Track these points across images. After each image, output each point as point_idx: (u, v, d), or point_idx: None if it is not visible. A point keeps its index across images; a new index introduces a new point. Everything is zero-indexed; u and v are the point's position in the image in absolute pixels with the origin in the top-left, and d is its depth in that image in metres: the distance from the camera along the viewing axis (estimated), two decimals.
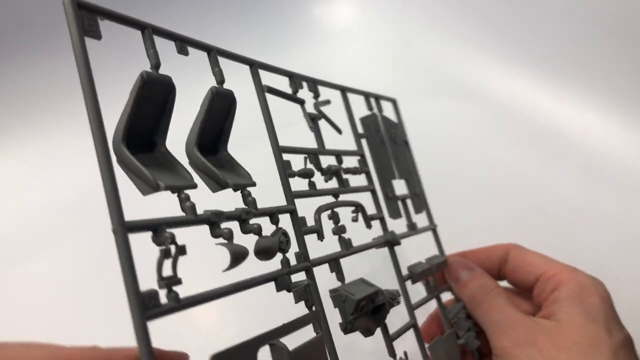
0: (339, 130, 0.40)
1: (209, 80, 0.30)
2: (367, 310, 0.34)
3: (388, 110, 0.49)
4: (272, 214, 0.30)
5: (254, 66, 0.33)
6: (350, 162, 0.41)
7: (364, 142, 0.44)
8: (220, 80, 0.29)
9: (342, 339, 0.32)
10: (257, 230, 0.27)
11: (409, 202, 0.47)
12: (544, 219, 0.70)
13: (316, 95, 0.39)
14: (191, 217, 0.24)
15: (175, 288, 0.22)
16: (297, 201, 0.33)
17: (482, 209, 0.67)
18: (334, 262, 0.34)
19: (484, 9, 0.86)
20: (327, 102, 0.41)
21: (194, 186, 0.25)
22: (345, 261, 0.35)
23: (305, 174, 0.35)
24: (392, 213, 0.44)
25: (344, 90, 0.43)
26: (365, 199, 0.41)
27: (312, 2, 0.93)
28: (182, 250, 0.23)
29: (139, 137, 0.25)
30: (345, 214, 0.38)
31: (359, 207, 0.39)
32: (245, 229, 0.27)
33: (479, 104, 0.53)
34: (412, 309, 0.41)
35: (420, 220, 0.48)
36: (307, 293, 0.30)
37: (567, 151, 0.72)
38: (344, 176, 0.39)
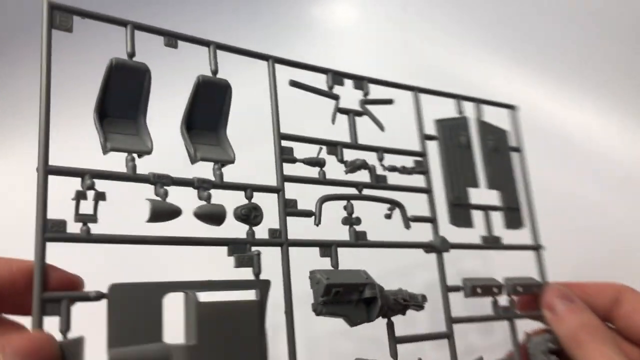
0: (381, 127, 0.40)
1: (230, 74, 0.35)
2: (347, 299, 0.34)
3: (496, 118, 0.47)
4: (245, 189, 0.33)
5: (270, 61, 0.37)
6: (404, 161, 0.41)
7: (431, 144, 0.43)
8: (215, 70, 0.34)
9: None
10: (206, 197, 0.32)
11: (495, 214, 0.44)
12: None
13: (365, 92, 0.40)
14: (129, 174, 0.30)
15: (92, 226, 0.28)
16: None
17: (595, 238, 0.56)
18: (330, 248, 0.36)
19: (484, 8, 0.83)
20: (390, 101, 0.42)
21: (144, 152, 0.31)
22: (392, 258, 0.36)
23: (315, 162, 0.37)
24: (456, 220, 0.42)
25: (416, 91, 0.43)
26: (416, 200, 0.41)
27: (311, 3, 0.90)
28: (101, 196, 0.28)
29: (117, 109, 0.31)
30: (380, 210, 0.39)
31: (395, 206, 0.39)
32: (200, 196, 0.32)
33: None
34: (451, 321, 0.39)
35: (513, 236, 0.45)
36: (253, 262, 0.32)
37: None
38: (384, 172, 0.40)
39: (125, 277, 0.28)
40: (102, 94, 0.31)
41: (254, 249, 0.33)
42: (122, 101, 0.32)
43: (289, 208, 0.35)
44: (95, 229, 0.28)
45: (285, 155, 0.36)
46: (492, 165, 0.45)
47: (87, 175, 0.28)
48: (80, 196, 0.28)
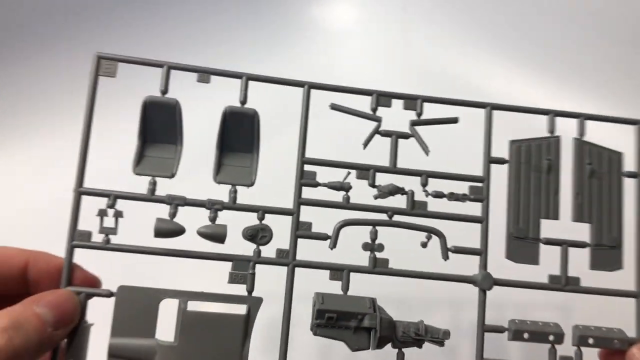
0: (427, 151, 0.38)
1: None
2: (343, 325, 0.35)
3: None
4: (257, 210, 0.37)
5: (306, 87, 0.38)
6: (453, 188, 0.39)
7: (496, 167, 0.39)
8: (243, 100, 0.37)
9: None
10: (212, 219, 0.36)
11: (575, 250, 0.38)
12: None
13: (419, 112, 0.39)
14: (147, 195, 0.36)
15: (112, 237, 0.35)
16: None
17: None
18: (342, 273, 0.37)
19: (484, 9, 0.83)
20: (455, 120, 0.39)
21: (165, 176, 0.36)
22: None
23: (339, 187, 0.38)
24: (515, 254, 0.38)
25: (489, 108, 0.39)
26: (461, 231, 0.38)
27: (311, 3, 0.89)
28: (119, 213, 0.35)
29: (159, 137, 0.38)
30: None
31: (433, 234, 0.38)
32: (209, 217, 0.36)
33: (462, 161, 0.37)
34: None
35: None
36: (246, 280, 0.35)
37: None
38: (425, 199, 0.38)
39: (134, 281, 0.35)
40: (142, 127, 0.37)
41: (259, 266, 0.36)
42: (161, 131, 0.38)
43: (301, 230, 0.37)
44: (114, 239, 0.35)
45: (305, 179, 0.37)
46: (591, 195, 0.39)
47: (112, 196, 0.35)
48: (102, 213, 0.35)
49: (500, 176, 0.39)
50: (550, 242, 0.38)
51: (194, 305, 0.35)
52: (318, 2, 0.91)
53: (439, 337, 0.36)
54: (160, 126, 0.37)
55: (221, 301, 0.35)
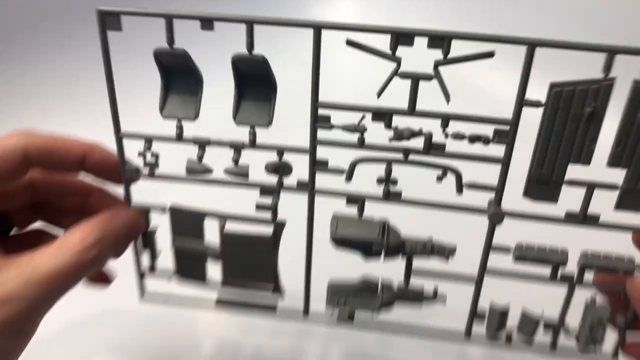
0: (448, 98, 0.35)
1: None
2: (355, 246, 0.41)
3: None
4: (277, 150, 0.39)
5: (316, 28, 0.35)
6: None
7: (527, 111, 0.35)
8: (249, 47, 0.36)
9: None
10: (235, 160, 0.39)
11: (601, 193, 0.37)
12: None
13: (446, 52, 0.34)
14: (176, 138, 0.39)
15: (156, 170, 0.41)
16: None
17: None
18: (358, 201, 0.40)
19: (484, 9, 0.91)
20: (491, 54, 0.35)
21: (189, 118, 0.38)
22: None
23: (353, 129, 0.37)
24: (531, 193, 0.38)
25: (531, 46, 0.33)
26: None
27: (311, 3, 1.02)
28: (156, 154, 0.40)
29: (175, 85, 0.39)
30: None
31: (449, 170, 0.38)
32: (233, 159, 0.39)
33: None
34: (483, 270, 0.41)
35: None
36: (272, 207, 0.40)
37: None
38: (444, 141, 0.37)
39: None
40: (163, 74, 0.38)
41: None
42: (178, 78, 0.38)
43: (318, 165, 0.39)
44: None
45: (320, 123, 0.38)
46: (629, 140, 0.35)
47: (148, 139, 0.39)
48: (142, 154, 0.40)
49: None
50: (574, 182, 0.37)
51: (230, 226, 0.42)
52: (319, 2, 0.96)
53: (445, 254, 0.41)
54: (178, 73, 0.38)
55: (253, 223, 0.42)
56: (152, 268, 0.46)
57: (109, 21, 0.35)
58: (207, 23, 0.35)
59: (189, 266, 0.44)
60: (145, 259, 0.45)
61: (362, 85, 0.39)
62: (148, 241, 0.44)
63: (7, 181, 0.38)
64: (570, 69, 0.40)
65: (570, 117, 0.35)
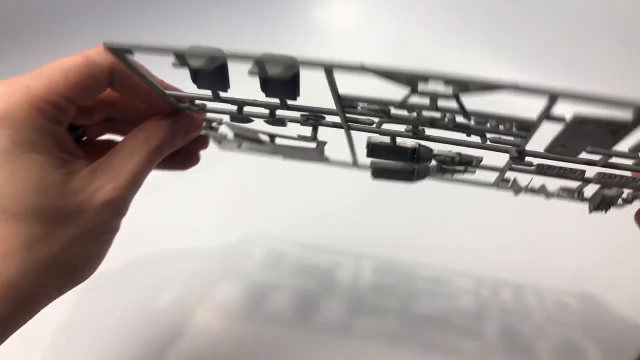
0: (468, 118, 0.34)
1: None
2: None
3: None
4: (307, 111, 0.41)
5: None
6: None
7: None
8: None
9: None
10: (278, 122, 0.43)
11: None
12: None
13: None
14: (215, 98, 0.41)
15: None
16: None
17: None
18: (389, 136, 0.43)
19: (484, 9, 0.90)
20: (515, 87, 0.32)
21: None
22: None
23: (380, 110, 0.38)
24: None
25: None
26: None
27: (312, 3, 0.99)
28: (204, 107, 0.43)
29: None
30: None
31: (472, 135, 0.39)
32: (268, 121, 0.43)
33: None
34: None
35: None
36: (315, 134, 0.45)
37: None
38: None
39: None
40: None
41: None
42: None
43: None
44: None
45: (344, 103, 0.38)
46: None
47: (190, 98, 0.42)
48: (192, 103, 0.43)
49: None
50: None
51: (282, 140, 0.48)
52: (319, 3, 0.97)
53: (473, 165, 0.45)
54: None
55: (302, 141, 0.47)
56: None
57: (116, 54, 0.35)
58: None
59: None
60: None
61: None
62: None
63: (92, 96, 0.40)
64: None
65: None
